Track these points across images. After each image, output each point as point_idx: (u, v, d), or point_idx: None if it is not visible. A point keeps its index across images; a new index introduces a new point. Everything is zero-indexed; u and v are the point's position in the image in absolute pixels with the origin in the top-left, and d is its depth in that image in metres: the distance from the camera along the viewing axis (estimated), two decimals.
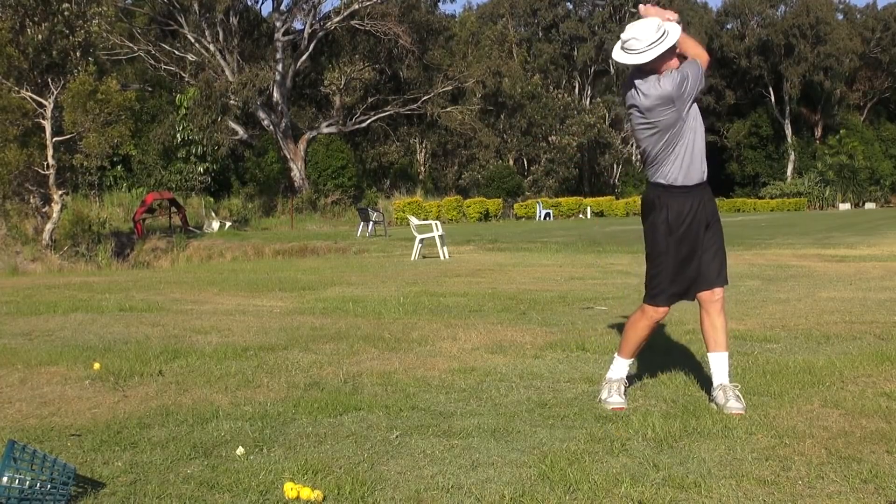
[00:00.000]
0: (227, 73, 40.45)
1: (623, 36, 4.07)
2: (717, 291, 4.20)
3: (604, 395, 4.32)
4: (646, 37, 4.00)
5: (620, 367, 4.37)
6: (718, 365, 4.22)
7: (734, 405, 4.05)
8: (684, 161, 4.09)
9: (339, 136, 44.83)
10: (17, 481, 2.84)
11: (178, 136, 35.84)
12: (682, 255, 4.13)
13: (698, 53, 4.13)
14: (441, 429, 3.85)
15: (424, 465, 3.37)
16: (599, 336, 6.33)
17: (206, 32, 40.76)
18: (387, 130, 48.27)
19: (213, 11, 40.12)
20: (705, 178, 4.18)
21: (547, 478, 3.17)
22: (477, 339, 6.33)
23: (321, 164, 42.80)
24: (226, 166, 41.05)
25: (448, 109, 46.01)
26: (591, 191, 59.37)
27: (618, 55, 4.10)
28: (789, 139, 75.13)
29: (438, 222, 18.35)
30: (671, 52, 4.05)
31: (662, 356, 5.50)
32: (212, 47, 40.95)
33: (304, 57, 43.25)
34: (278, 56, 42.41)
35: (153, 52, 40.08)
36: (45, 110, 21.61)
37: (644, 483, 3.10)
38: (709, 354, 4.29)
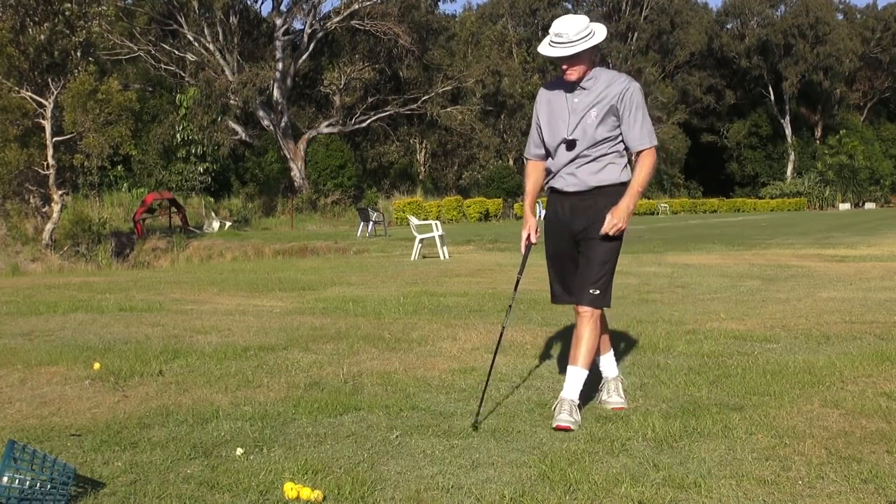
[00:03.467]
0: (227, 72, 40.46)
1: (552, 30, 3.99)
2: (584, 309, 4.03)
3: (603, 395, 4.33)
4: (574, 31, 3.92)
5: (608, 365, 4.38)
6: (572, 379, 4.02)
7: (565, 418, 3.86)
8: (553, 169, 4.15)
9: (339, 135, 44.85)
10: (17, 481, 2.84)
11: (178, 136, 35.84)
12: (551, 254, 4.22)
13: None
14: (441, 429, 3.86)
15: (424, 465, 3.37)
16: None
17: (206, 32, 40.77)
18: (387, 130, 48.28)
19: (213, 11, 40.12)
20: (588, 187, 4.03)
21: (547, 478, 3.17)
22: (477, 339, 6.33)
23: (321, 163, 42.79)
24: (226, 166, 41.04)
25: (448, 109, 46.01)
26: None
27: (544, 49, 4.02)
28: (789, 139, 75.18)
29: (438, 222, 18.35)
30: (594, 51, 3.98)
31: (662, 356, 5.50)
32: (211, 46, 40.96)
33: (304, 57, 43.26)
34: (278, 56, 42.42)
35: (153, 52, 40.08)
36: (45, 110, 21.61)
37: (644, 483, 3.10)
38: (568, 366, 4.09)
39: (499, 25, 62.04)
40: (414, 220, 18.16)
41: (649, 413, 4.04)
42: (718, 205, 62.60)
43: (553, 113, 4.08)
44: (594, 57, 4.05)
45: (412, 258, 16.56)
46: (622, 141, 4.03)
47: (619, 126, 3.99)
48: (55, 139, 21.64)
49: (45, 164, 21.69)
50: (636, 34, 67.28)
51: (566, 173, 4.07)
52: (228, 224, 32.51)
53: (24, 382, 4.91)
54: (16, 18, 21.76)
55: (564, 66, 3.97)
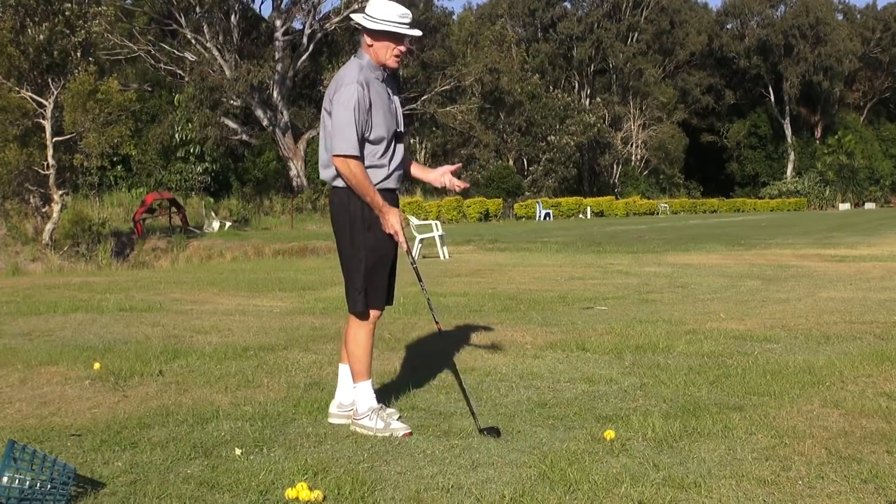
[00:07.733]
0: (227, 72, 40.44)
1: (396, 12, 3.72)
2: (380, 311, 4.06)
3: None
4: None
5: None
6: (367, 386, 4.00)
7: (398, 426, 3.82)
8: (386, 166, 3.90)
9: None
10: (17, 481, 2.84)
11: (177, 136, 35.82)
12: (387, 258, 4.07)
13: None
14: (441, 429, 3.86)
15: (424, 465, 3.37)
16: (599, 336, 6.33)
17: (206, 32, 40.76)
18: None
19: (212, 11, 40.09)
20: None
21: (547, 478, 3.17)
22: (477, 339, 6.33)
23: None
24: (225, 166, 41.03)
25: (447, 108, 46.02)
26: (590, 191, 59.42)
27: (407, 31, 3.73)
28: (789, 139, 75.22)
29: (438, 222, 18.34)
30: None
31: (662, 356, 5.50)
32: (209, 45, 40.95)
33: (303, 57, 43.26)
34: (278, 56, 42.40)
35: (153, 51, 40.07)
36: (45, 110, 21.58)
37: (644, 483, 3.10)
38: (344, 365, 4.09)
39: (497, 25, 62.00)
40: (414, 220, 18.14)
41: (649, 413, 4.04)
42: (718, 205, 62.63)
43: (381, 104, 3.76)
44: None
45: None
46: None
47: None
48: (55, 139, 21.61)
49: (45, 164, 21.66)
50: (637, 34, 67.29)
51: (401, 171, 3.92)
52: (228, 224, 32.48)
53: (24, 382, 4.91)
54: (16, 18, 21.72)
55: (403, 49, 3.74)
